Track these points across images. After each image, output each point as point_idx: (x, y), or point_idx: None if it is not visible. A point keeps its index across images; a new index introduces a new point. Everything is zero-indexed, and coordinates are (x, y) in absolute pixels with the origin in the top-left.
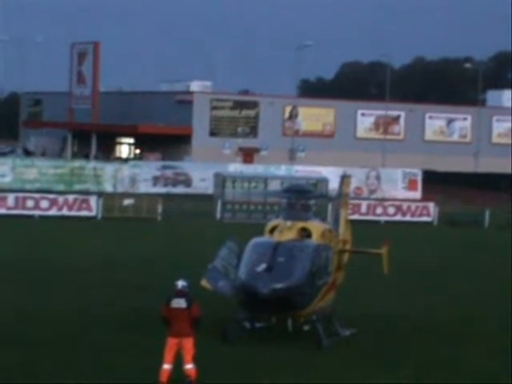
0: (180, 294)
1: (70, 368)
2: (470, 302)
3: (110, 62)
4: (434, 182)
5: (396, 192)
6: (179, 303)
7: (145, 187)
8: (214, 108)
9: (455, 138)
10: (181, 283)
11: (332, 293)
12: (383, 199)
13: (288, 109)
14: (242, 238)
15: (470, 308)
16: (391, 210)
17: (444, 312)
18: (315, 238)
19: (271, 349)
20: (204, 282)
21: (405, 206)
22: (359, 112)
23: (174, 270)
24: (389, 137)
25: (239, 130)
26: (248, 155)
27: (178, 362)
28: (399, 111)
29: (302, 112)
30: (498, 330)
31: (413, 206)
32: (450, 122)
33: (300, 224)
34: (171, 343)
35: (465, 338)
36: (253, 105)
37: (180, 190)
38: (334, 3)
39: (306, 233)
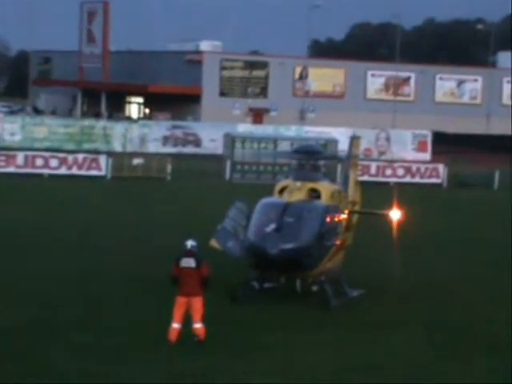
0: (189, 253)
1: (86, 326)
2: (479, 266)
3: (119, 21)
4: (444, 144)
5: (405, 153)
6: (188, 263)
7: (154, 147)
8: (223, 68)
9: (465, 99)
10: (190, 243)
11: (341, 254)
12: (393, 160)
13: (298, 69)
14: (251, 199)
15: (476, 271)
16: (400, 172)
17: (450, 274)
18: (324, 199)
19: (279, 309)
20: (213, 242)
21: (414, 167)
22: (369, 73)
23: (182, 229)
24: (399, 98)
25: (249, 90)
26: (258, 116)
27: (187, 321)
28: (409, 72)
29: (312, 73)
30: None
31: (422, 167)
32: (460, 83)
33: (309, 185)
34: (180, 302)
35: (475, 300)
36: (263, 65)
37: (189, 149)
38: None
39: (315, 194)
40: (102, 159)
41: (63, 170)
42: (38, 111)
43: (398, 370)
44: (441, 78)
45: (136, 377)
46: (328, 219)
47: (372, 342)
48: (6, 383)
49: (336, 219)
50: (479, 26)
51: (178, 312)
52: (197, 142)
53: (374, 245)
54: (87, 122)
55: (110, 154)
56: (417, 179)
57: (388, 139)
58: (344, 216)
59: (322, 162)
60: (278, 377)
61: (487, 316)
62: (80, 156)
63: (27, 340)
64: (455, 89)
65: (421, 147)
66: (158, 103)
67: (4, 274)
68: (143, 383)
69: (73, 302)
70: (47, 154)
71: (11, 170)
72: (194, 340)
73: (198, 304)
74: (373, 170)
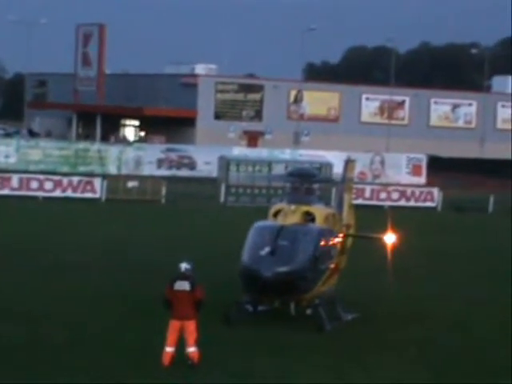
0: (184, 276)
1: (78, 346)
2: (473, 288)
3: (115, 43)
4: (439, 168)
5: (400, 177)
6: (183, 286)
7: (149, 169)
8: (218, 91)
9: (460, 123)
10: (184, 266)
11: (335, 277)
12: (387, 184)
13: (293, 92)
14: (246, 222)
15: (471, 294)
16: (395, 195)
17: (445, 297)
18: (319, 222)
19: (273, 332)
20: None
21: (409, 191)
22: (364, 96)
23: (177, 252)
24: (393, 122)
25: (244, 113)
26: (252, 139)
27: (181, 344)
28: (404, 96)
29: (307, 96)
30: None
31: (417, 191)
32: (455, 107)
33: (304, 208)
34: (174, 326)
35: (465, 323)
36: (258, 88)
37: (184, 172)
38: None
39: (309, 217)
40: (97, 182)
41: (58, 193)
42: (32, 134)
43: None
44: (435, 102)
45: None
46: (322, 242)
47: (367, 366)
48: None
49: (330, 242)
50: (473, 50)
51: (171, 336)
52: (191, 165)
53: (366, 268)
54: (82, 145)
55: (104, 176)
56: (411, 203)
57: (382, 163)
58: (338, 239)
59: (316, 186)
60: None
61: (486, 339)
62: (75, 179)
63: (20, 359)
64: (450, 113)
65: (415, 171)
66: (153, 126)
67: None
68: None
69: (67, 320)
70: (42, 177)
71: (6, 192)
72: (187, 363)
73: (191, 327)
74: (367, 194)
